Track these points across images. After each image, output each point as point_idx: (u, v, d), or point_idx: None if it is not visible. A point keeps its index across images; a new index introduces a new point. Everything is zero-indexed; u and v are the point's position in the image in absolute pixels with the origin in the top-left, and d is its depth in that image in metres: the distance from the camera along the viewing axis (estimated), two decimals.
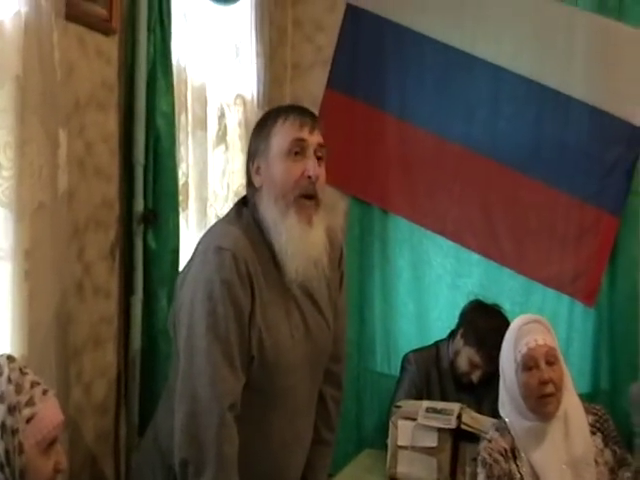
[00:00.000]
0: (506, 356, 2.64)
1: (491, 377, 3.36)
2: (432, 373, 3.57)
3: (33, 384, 1.76)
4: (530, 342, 2.58)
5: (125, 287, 2.74)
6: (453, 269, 4.14)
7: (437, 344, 3.66)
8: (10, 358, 1.77)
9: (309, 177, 2.25)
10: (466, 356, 3.48)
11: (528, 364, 2.57)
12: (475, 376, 3.48)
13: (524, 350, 2.58)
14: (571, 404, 2.63)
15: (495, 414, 3.15)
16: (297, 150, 2.27)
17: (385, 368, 3.79)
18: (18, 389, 1.73)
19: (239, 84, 3.65)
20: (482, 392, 3.48)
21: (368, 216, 4.21)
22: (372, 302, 4.18)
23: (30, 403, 1.73)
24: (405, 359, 3.66)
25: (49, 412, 1.76)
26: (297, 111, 2.33)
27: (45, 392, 1.77)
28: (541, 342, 2.58)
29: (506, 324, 3.38)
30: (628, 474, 2.62)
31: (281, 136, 2.28)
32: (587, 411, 2.67)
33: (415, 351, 3.69)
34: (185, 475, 2.15)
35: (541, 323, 2.65)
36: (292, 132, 2.28)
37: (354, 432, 4.05)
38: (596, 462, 2.60)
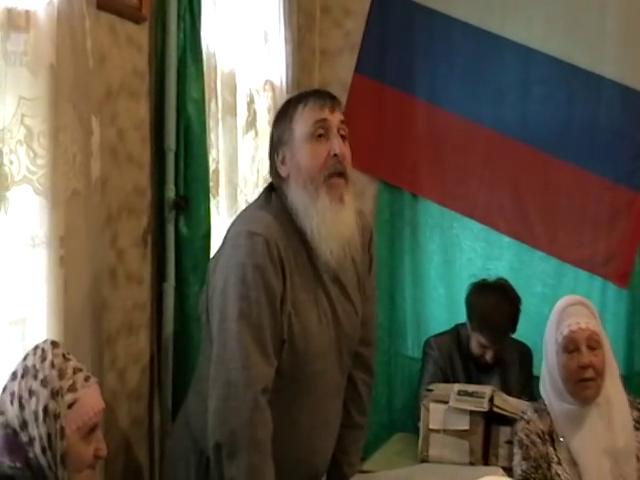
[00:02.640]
0: (549, 336, 2.66)
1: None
2: (454, 356, 3.60)
3: (76, 370, 1.79)
4: (572, 325, 2.59)
5: (157, 273, 2.76)
6: (484, 252, 4.14)
7: (457, 327, 3.68)
8: (54, 344, 1.81)
9: (335, 155, 2.27)
10: (475, 340, 3.53)
11: (569, 347, 2.58)
12: (488, 356, 3.52)
13: (565, 332, 2.59)
14: (615, 393, 2.63)
15: (521, 393, 3.17)
16: (320, 132, 2.28)
17: (416, 352, 3.79)
18: (61, 374, 1.76)
19: (268, 70, 3.65)
20: (505, 372, 3.53)
21: (398, 200, 4.22)
22: (403, 287, 4.19)
23: (72, 389, 1.77)
24: (427, 344, 3.70)
25: (90, 398, 1.79)
26: (315, 94, 2.35)
27: (87, 379, 1.81)
28: (584, 326, 2.59)
29: (507, 297, 3.44)
30: None
31: (303, 121, 2.30)
32: (632, 405, 2.67)
33: (436, 336, 3.72)
34: (219, 459, 2.17)
35: (586, 306, 2.67)
36: (313, 115, 2.30)
37: (385, 416, 4.06)
38: (638, 458, 2.60)
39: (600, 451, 2.56)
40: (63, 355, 1.80)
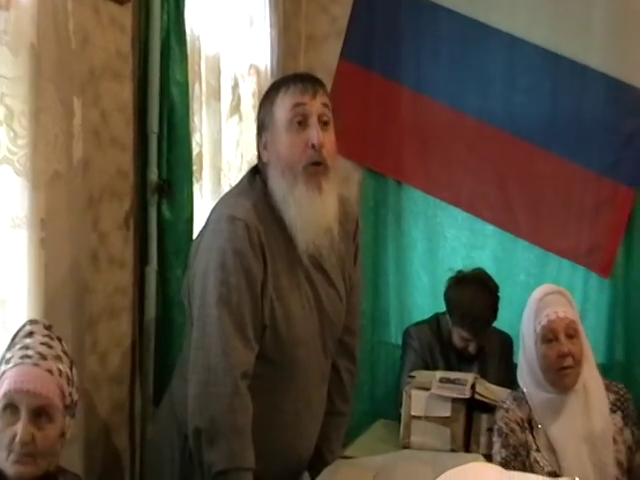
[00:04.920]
0: (526, 326, 2.65)
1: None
2: (434, 345, 3.60)
3: (26, 348, 1.78)
4: (550, 314, 2.59)
5: (140, 257, 2.75)
6: (468, 241, 4.15)
7: (437, 316, 3.68)
8: (45, 326, 1.84)
9: (313, 146, 2.24)
10: (457, 333, 3.53)
11: (547, 336, 2.58)
12: (471, 348, 3.53)
13: (544, 322, 2.59)
14: (591, 379, 2.64)
15: (502, 382, 3.18)
16: (299, 120, 2.25)
17: (399, 340, 3.76)
18: (11, 346, 1.79)
19: (253, 54, 3.63)
20: (485, 361, 3.53)
21: (382, 188, 4.21)
22: (386, 274, 4.19)
23: (7, 362, 1.78)
24: (406, 333, 3.70)
25: (15, 374, 1.76)
26: (297, 79, 2.32)
27: (27, 357, 1.78)
28: (562, 315, 2.59)
29: (485, 288, 3.46)
30: None
31: (282, 106, 2.28)
32: (608, 389, 2.68)
33: (415, 325, 3.73)
34: (199, 444, 2.17)
35: (563, 295, 2.67)
36: (292, 99, 2.27)
37: (368, 403, 4.06)
38: (615, 440, 2.61)
39: (578, 438, 2.57)
40: (49, 336, 1.80)
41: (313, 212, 2.27)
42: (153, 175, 2.73)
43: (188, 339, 2.31)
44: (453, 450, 3.06)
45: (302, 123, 2.26)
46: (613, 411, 2.65)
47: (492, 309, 3.49)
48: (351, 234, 2.51)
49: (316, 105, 2.27)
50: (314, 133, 2.25)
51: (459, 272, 3.62)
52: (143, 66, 2.76)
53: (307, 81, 2.31)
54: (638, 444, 2.65)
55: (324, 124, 2.29)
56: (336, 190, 2.34)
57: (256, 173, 2.38)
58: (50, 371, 1.78)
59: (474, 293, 3.47)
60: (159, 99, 2.76)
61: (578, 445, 2.57)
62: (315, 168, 2.26)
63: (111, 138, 2.63)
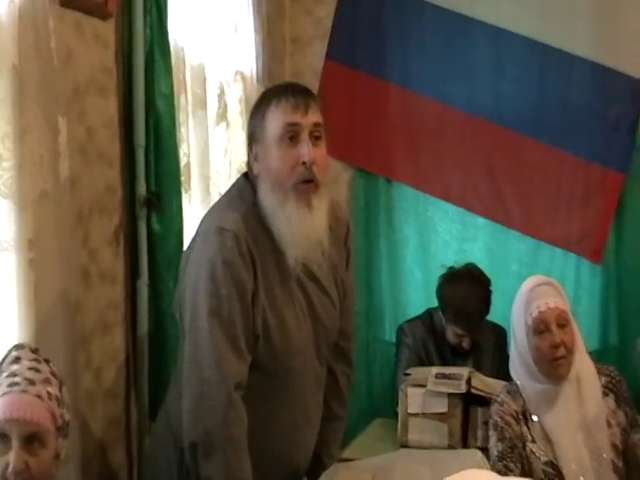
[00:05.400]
0: (517, 319, 2.66)
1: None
2: (428, 341, 3.62)
3: (12, 375, 1.78)
4: (541, 305, 2.60)
5: (131, 271, 2.76)
6: (459, 234, 4.17)
7: (430, 311, 3.70)
8: (32, 350, 1.83)
9: (304, 163, 2.23)
10: (451, 330, 3.54)
11: (539, 327, 2.59)
12: (466, 344, 3.54)
13: (535, 313, 2.59)
14: (583, 366, 2.66)
15: (497, 375, 3.20)
16: (290, 135, 2.24)
17: (394, 337, 3.78)
18: None
19: (238, 61, 3.64)
20: (480, 355, 3.55)
21: (372, 186, 4.22)
22: (379, 272, 4.20)
23: None
24: (399, 330, 3.71)
25: (1, 405, 1.76)
26: (289, 92, 2.29)
27: (15, 384, 1.78)
28: (552, 305, 2.60)
29: (477, 283, 3.47)
30: (638, 436, 2.65)
31: (274, 121, 2.26)
32: (600, 372, 2.70)
33: (408, 321, 3.74)
34: (195, 458, 2.18)
35: (552, 285, 2.66)
36: (284, 117, 2.25)
37: (365, 402, 4.08)
38: (609, 423, 2.63)
39: (573, 425, 2.59)
40: (36, 360, 1.81)
41: (303, 228, 2.27)
42: (141, 189, 2.74)
43: (181, 353, 2.32)
44: (451, 446, 3.08)
45: (293, 139, 2.25)
46: (606, 394, 2.67)
47: (485, 304, 3.51)
48: (342, 239, 2.52)
49: (308, 121, 2.26)
50: (305, 150, 2.24)
51: (450, 268, 3.64)
52: (128, 80, 2.77)
53: (299, 94, 2.29)
54: (632, 424, 2.66)
55: (315, 139, 2.27)
56: (326, 204, 2.34)
57: (246, 180, 2.38)
58: (39, 396, 1.78)
59: (466, 289, 3.49)
60: (145, 112, 2.77)
61: (573, 433, 2.58)
62: (306, 186, 2.26)
63: (98, 154, 2.64)
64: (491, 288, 3.53)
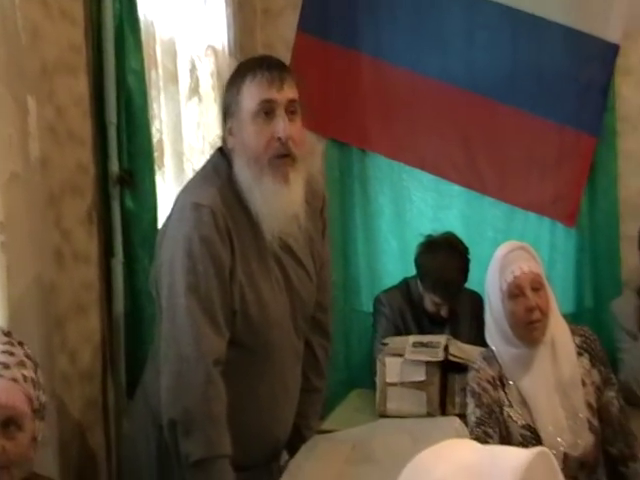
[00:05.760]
0: (492, 285, 2.66)
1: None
2: (405, 310, 3.63)
3: None
4: (515, 270, 2.60)
5: (105, 251, 2.74)
6: (434, 202, 4.18)
7: (406, 280, 3.72)
8: (7, 334, 1.82)
9: (279, 139, 2.24)
10: (429, 299, 3.56)
11: (514, 292, 2.59)
12: (443, 312, 3.56)
13: (510, 278, 2.60)
14: (558, 328, 2.67)
15: (474, 341, 3.23)
16: (266, 110, 2.24)
17: (371, 307, 3.80)
18: None
19: (209, 35, 3.63)
20: (457, 322, 3.58)
21: (347, 157, 4.22)
22: (355, 242, 4.21)
23: None
24: (376, 300, 3.73)
25: None
26: (265, 67, 2.28)
27: None
28: (526, 269, 2.60)
29: (455, 251, 3.50)
30: (612, 393, 2.69)
31: (249, 97, 2.26)
32: (574, 333, 2.72)
33: (385, 291, 3.76)
34: (174, 435, 2.18)
35: (525, 250, 2.67)
36: (259, 93, 2.25)
37: (343, 373, 4.09)
38: (583, 383, 2.66)
39: (549, 387, 2.61)
40: (9, 343, 1.80)
41: (279, 202, 2.28)
42: (114, 167, 2.71)
43: (159, 330, 2.32)
44: (429, 413, 3.12)
45: (269, 114, 2.25)
46: (580, 354, 2.69)
47: (463, 272, 3.53)
48: (318, 211, 2.53)
49: (283, 97, 2.26)
50: (281, 126, 2.24)
51: (429, 237, 3.64)
52: (97, 57, 2.73)
53: (274, 69, 2.28)
54: (606, 383, 2.69)
55: (291, 113, 2.28)
56: (303, 178, 2.34)
57: (221, 154, 2.38)
58: (15, 379, 1.78)
59: (445, 258, 3.50)
60: (116, 89, 2.73)
61: (549, 395, 2.61)
62: (282, 160, 2.26)
63: (68, 133, 2.62)
64: (469, 257, 3.55)
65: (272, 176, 2.26)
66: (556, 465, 1.19)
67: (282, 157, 2.26)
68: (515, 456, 1.18)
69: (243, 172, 2.28)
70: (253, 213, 2.29)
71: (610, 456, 2.68)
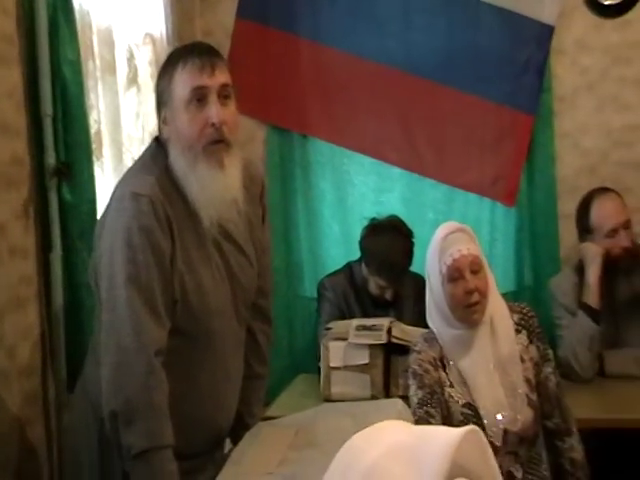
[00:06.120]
0: (431, 267, 2.67)
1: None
2: (349, 294, 3.66)
3: None
4: (454, 253, 2.61)
5: (43, 244, 2.71)
6: (375, 186, 4.20)
7: (350, 264, 3.74)
8: None
9: (213, 124, 2.25)
10: (373, 282, 3.59)
11: (453, 275, 2.61)
12: (388, 295, 3.59)
13: (449, 261, 2.61)
14: (496, 307, 2.70)
15: (417, 324, 3.27)
16: (199, 97, 2.25)
17: (315, 293, 3.83)
18: None
19: (147, 23, 3.60)
20: (401, 304, 3.61)
21: (287, 143, 4.21)
22: (297, 228, 4.21)
23: None
24: (320, 285, 3.75)
25: None
26: (195, 54, 2.28)
27: None
28: (465, 252, 2.62)
29: (400, 234, 3.53)
30: (549, 369, 2.75)
31: (181, 85, 2.26)
32: (512, 310, 2.76)
33: (329, 275, 3.78)
34: (115, 427, 2.17)
35: (464, 231, 2.68)
36: (191, 80, 2.25)
37: (287, 359, 4.10)
38: (522, 359, 2.70)
39: (488, 366, 2.64)
40: None
41: (216, 188, 2.29)
42: (50, 159, 2.69)
43: (98, 322, 2.31)
44: (374, 396, 3.15)
45: (201, 101, 2.25)
46: (518, 331, 2.73)
47: (408, 255, 3.56)
48: (257, 196, 2.54)
49: (215, 82, 2.26)
50: (214, 111, 2.24)
51: (373, 220, 3.67)
52: (31, 48, 2.69)
53: (205, 55, 2.29)
54: (543, 358, 2.74)
55: (224, 98, 2.28)
56: (239, 162, 2.35)
57: (158, 144, 2.38)
58: None
59: (390, 241, 3.53)
60: (51, 80, 2.71)
61: (488, 373, 2.64)
62: (216, 146, 2.27)
63: (2, 125, 2.57)
64: (414, 240, 3.57)
65: (207, 162, 2.26)
66: (486, 443, 1.20)
67: (216, 143, 2.27)
68: (446, 436, 1.20)
69: (178, 160, 2.29)
70: (190, 201, 2.30)
71: (547, 430, 2.74)
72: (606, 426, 3.13)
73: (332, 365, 3.21)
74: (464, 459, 1.15)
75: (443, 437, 1.18)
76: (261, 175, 2.63)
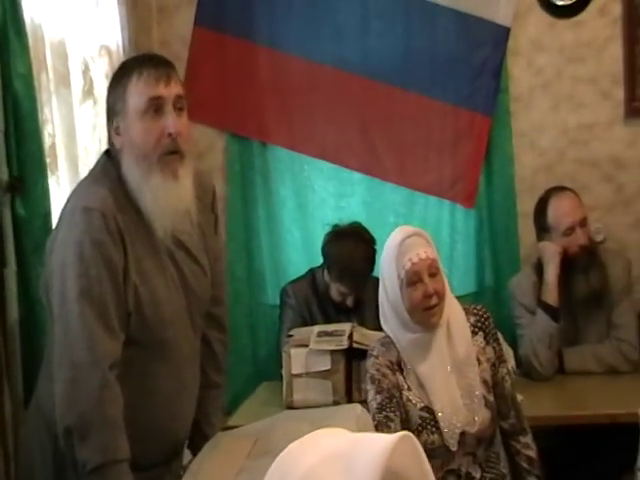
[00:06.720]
0: (388, 272, 2.67)
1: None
2: (311, 300, 3.67)
3: None
4: (413, 257, 2.61)
5: None
6: (336, 191, 4.22)
7: (312, 271, 3.76)
8: None
9: (170, 135, 2.26)
10: (335, 288, 3.60)
11: (412, 279, 2.61)
12: (349, 301, 3.61)
13: (407, 266, 2.61)
14: (452, 310, 2.72)
15: (380, 328, 3.28)
16: (155, 108, 2.26)
17: (277, 300, 3.84)
18: None
19: (102, 35, 3.59)
20: (363, 309, 3.62)
21: (247, 151, 4.21)
22: (258, 236, 4.20)
23: None
24: (283, 292, 3.76)
25: None
26: (150, 64, 2.30)
27: None
28: (423, 256, 2.62)
29: (362, 241, 3.54)
30: (505, 370, 2.77)
31: (137, 95, 2.27)
32: (468, 312, 2.78)
33: (292, 282, 3.79)
34: (70, 443, 2.16)
35: (421, 235, 2.68)
36: (147, 90, 2.26)
37: (250, 367, 4.11)
38: (479, 360, 2.72)
39: (445, 369, 2.66)
40: None
41: (170, 199, 2.30)
42: (3, 174, 2.66)
43: (50, 337, 2.30)
44: (336, 402, 3.16)
45: (157, 111, 2.27)
46: (475, 333, 2.74)
47: (370, 262, 3.56)
48: (209, 205, 2.56)
49: (170, 93, 2.28)
50: (170, 122, 2.26)
51: (335, 226, 3.68)
52: None
53: (160, 66, 2.31)
54: (500, 359, 2.76)
55: (179, 109, 2.30)
56: (191, 173, 2.37)
57: (108, 157, 2.38)
58: None
59: (352, 247, 3.54)
60: (2, 95, 2.70)
61: (445, 376, 2.66)
62: (171, 157, 2.29)
63: None
64: (376, 247, 3.57)
65: (161, 173, 2.28)
66: (420, 449, 1.22)
67: (171, 154, 2.29)
68: (379, 442, 1.21)
69: (132, 171, 2.29)
70: (144, 211, 2.30)
71: (502, 430, 2.76)
72: (566, 422, 3.17)
73: (294, 372, 3.22)
74: (398, 465, 1.16)
75: (377, 444, 1.20)
76: (212, 184, 2.64)
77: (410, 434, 1.23)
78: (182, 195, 2.33)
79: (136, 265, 2.29)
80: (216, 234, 2.61)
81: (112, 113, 2.33)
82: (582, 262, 3.60)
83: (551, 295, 3.54)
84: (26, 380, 2.67)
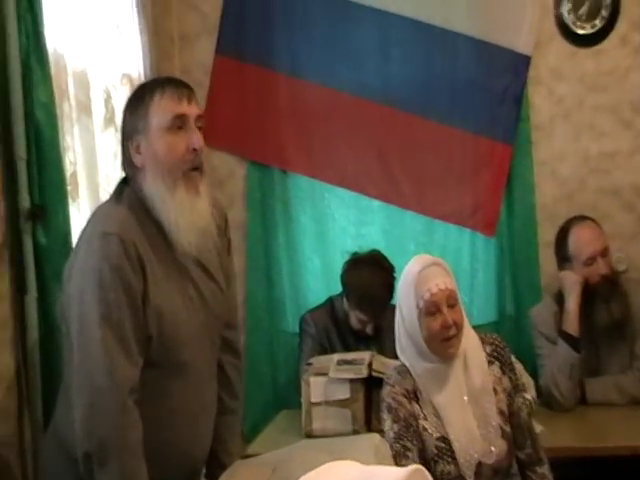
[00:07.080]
0: (406, 301, 2.67)
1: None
2: (330, 329, 3.66)
3: None
4: (432, 288, 2.60)
5: (18, 287, 2.71)
6: (356, 219, 4.22)
7: (331, 299, 3.76)
8: None
9: (194, 150, 2.30)
10: (354, 316, 3.59)
11: (430, 309, 2.60)
12: (369, 329, 3.60)
13: (426, 296, 2.60)
14: (469, 340, 2.71)
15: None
16: (179, 125, 2.30)
17: (297, 327, 3.83)
18: None
19: (124, 64, 3.63)
20: (382, 337, 3.60)
21: (267, 178, 4.22)
22: (279, 263, 4.21)
23: None
24: (302, 320, 3.75)
25: None
26: (173, 84, 2.36)
27: None
28: (442, 286, 2.61)
29: (381, 269, 3.53)
30: (521, 399, 2.74)
31: (161, 112, 2.30)
32: (484, 342, 2.76)
33: (311, 311, 3.79)
34: (90, 469, 2.17)
35: (440, 265, 2.68)
36: (172, 107, 2.30)
37: (270, 394, 4.10)
38: (495, 390, 2.71)
39: (461, 399, 2.65)
40: None
41: (193, 214, 2.33)
42: (24, 202, 2.69)
43: (67, 363, 2.31)
44: (355, 431, 3.14)
45: (181, 128, 2.31)
46: (491, 362, 2.73)
47: (389, 289, 3.54)
48: (222, 228, 2.58)
49: (192, 111, 2.33)
50: (195, 137, 2.31)
51: (354, 254, 3.68)
52: (4, 90, 2.70)
53: (180, 85, 2.37)
54: (516, 389, 2.74)
55: (199, 129, 2.34)
56: (209, 191, 2.41)
57: (124, 184, 2.40)
58: None
59: (371, 275, 3.54)
60: (24, 123, 2.73)
61: (461, 406, 2.64)
62: (195, 173, 2.33)
63: None
64: (395, 274, 3.56)
65: (185, 187, 2.31)
66: None
67: (194, 170, 2.33)
68: (391, 476, 1.21)
69: (155, 186, 2.31)
70: (166, 228, 2.32)
71: (519, 461, 2.73)
72: (587, 454, 3.13)
73: (313, 401, 3.21)
74: None
75: (388, 476, 1.19)
76: (223, 210, 2.65)
77: (422, 467, 1.23)
78: (202, 211, 2.36)
79: (155, 288, 2.29)
80: (229, 258, 2.62)
81: (132, 132, 2.35)
82: (604, 292, 3.58)
83: (572, 325, 3.52)
84: (45, 406, 2.68)
